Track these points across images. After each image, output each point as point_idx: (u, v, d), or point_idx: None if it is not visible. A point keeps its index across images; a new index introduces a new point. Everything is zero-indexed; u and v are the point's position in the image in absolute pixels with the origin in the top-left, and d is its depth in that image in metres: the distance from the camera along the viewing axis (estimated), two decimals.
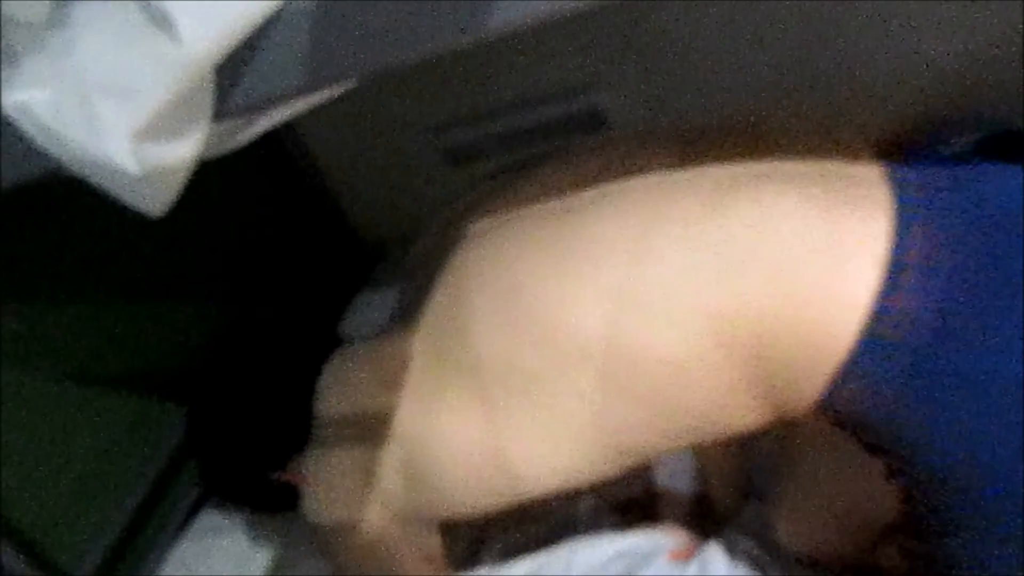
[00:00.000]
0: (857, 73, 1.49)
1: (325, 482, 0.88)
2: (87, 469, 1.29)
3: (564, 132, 1.68)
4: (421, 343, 0.82)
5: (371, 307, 1.84)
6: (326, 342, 1.68)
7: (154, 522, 1.38)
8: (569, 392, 0.71)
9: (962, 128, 1.48)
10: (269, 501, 1.19)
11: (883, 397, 0.64)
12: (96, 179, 0.64)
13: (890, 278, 0.63)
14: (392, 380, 0.82)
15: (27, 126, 0.63)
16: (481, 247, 0.83)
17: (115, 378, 1.37)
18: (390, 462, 0.81)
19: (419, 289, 0.89)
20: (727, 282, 0.67)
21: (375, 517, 0.83)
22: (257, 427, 1.22)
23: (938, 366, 0.62)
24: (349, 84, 0.67)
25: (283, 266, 1.85)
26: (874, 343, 0.63)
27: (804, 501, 0.87)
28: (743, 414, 0.71)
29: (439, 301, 0.83)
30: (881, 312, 0.63)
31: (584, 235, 0.73)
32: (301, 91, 0.65)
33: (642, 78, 1.59)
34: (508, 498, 0.77)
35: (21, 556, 1.12)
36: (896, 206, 0.67)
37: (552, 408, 0.72)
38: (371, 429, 0.83)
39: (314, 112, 0.74)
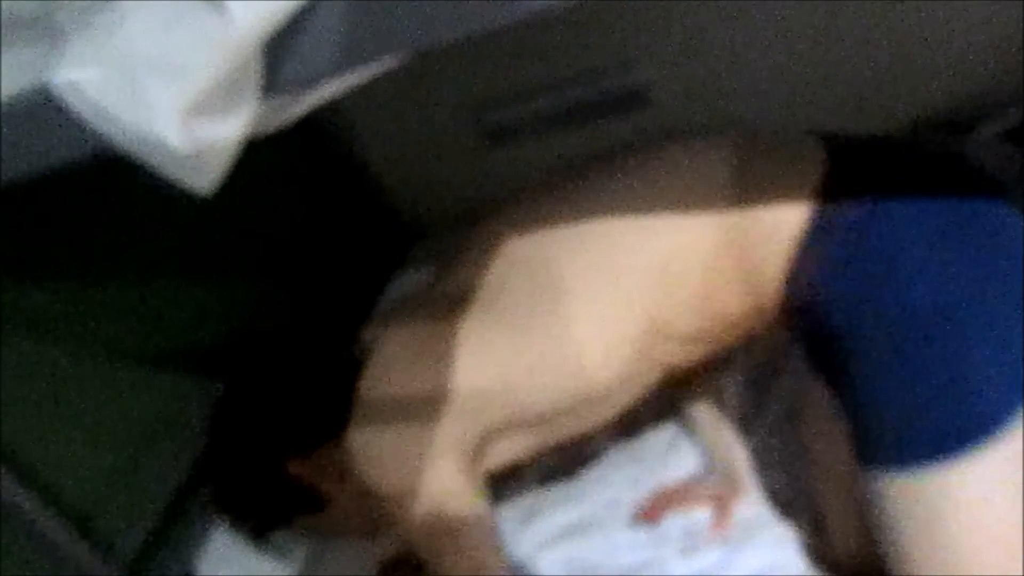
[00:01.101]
0: (899, 52, 1.47)
1: (382, 454, 0.96)
2: (133, 446, 1.30)
3: (604, 112, 1.66)
4: (481, 294, 0.95)
5: (408, 286, 1.84)
6: (363, 321, 1.69)
7: (198, 498, 1.40)
8: (619, 298, 0.89)
9: (991, 114, 1.47)
10: (273, 510, 1.13)
11: (831, 273, 0.79)
12: (144, 157, 0.65)
13: (832, 173, 0.81)
14: (444, 350, 0.94)
15: (77, 105, 0.63)
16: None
17: (158, 357, 1.38)
18: (458, 413, 0.93)
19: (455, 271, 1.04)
20: (721, 199, 0.85)
21: (443, 470, 0.93)
22: (288, 410, 1.16)
23: (871, 244, 0.76)
24: (393, 62, 0.66)
25: (323, 245, 1.86)
26: (820, 224, 0.79)
27: None
28: (733, 299, 0.87)
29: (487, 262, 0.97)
30: (825, 197, 0.80)
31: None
32: (347, 68, 0.64)
33: (683, 56, 1.57)
34: (575, 391, 0.93)
35: (67, 530, 1.13)
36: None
37: (607, 310, 0.89)
38: (428, 400, 0.93)
39: (355, 93, 0.73)
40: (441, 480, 0.93)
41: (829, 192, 0.81)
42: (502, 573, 0.94)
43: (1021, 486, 0.73)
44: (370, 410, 0.99)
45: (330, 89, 0.68)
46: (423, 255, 1.93)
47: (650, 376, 0.97)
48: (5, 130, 0.67)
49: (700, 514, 1.15)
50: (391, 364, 1.01)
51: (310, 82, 0.65)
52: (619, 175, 0.95)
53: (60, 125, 0.66)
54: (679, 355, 0.95)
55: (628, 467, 1.28)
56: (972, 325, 0.73)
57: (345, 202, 1.96)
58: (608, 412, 1.00)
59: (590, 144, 1.75)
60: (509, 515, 1.30)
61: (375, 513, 1.02)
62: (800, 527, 1.08)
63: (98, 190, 1.30)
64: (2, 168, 0.70)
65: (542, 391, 0.94)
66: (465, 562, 0.92)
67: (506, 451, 1.01)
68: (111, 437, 1.27)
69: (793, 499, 1.10)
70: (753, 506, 1.13)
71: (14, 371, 1.13)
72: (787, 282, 0.82)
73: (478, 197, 1.93)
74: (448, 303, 0.98)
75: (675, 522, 1.15)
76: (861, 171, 0.83)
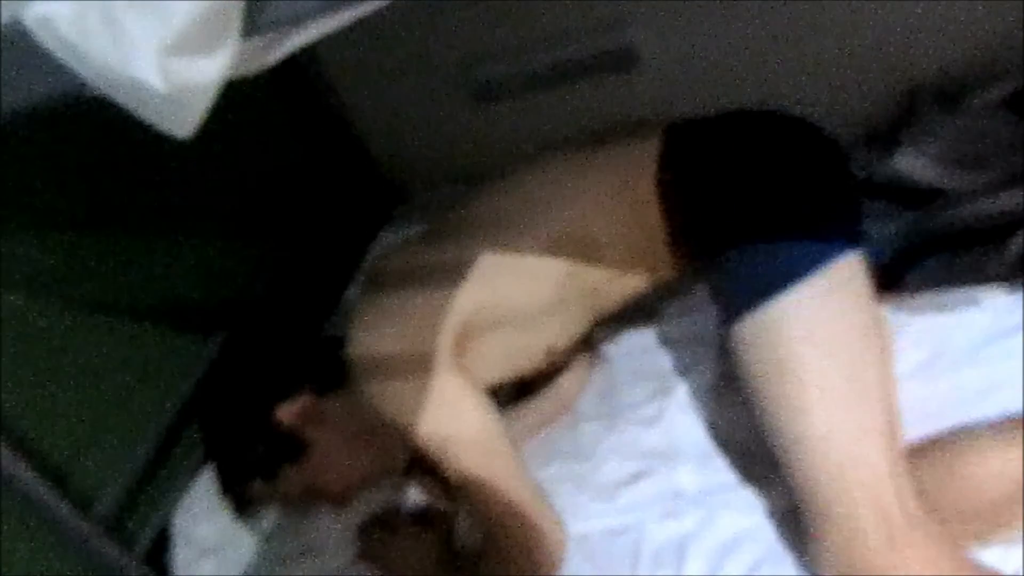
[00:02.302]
0: (896, 17, 1.45)
1: (391, 390, 1.08)
2: (112, 401, 1.29)
3: (595, 71, 1.63)
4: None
5: (392, 245, 1.83)
6: (349, 278, 1.69)
7: (176, 455, 1.39)
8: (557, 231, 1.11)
9: (987, 81, 1.46)
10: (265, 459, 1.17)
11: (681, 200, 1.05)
12: (121, 97, 0.62)
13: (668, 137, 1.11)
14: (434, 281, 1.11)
15: (49, 41, 0.61)
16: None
17: (140, 311, 1.37)
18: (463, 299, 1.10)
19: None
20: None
21: (448, 384, 1.07)
22: (278, 362, 1.22)
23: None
24: (377, 4, 0.64)
25: (309, 203, 1.84)
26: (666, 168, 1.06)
27: None
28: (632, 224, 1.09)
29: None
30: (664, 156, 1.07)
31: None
32: (328, 11, 0.62)
33: (674, 15, 1.54)
34: (537, 296, 1.13)
35: (45, 486, 1.12)
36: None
37: (550, 243, 1.11)
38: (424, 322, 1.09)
39: (343, 49, 0.72)
40: (447, 394, 1.06)
41: (667, 151, 1.09)
42: (518, 472, 1.06)
43: (846, 310, 0.94)
44: (371, 355, 1.10)
45: (310, 31, 0.66)
46: (408, 214, 1.91)
47: (585, 305, 1.17)
48: None
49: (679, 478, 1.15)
50: (384, 308, 1.12)
51: (291, 23, 0.63)
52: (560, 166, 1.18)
53: (34, 63, 0.64)
54: (606, 281, 1.15)
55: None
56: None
57: (331, 160, 1.94)
58: (560, 331, 1.18)
59: (579, 104, 1.74)
60: None
61: (354, 458, 1.15)
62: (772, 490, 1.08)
63: (80, 144, 1.28)
64: None
65: (516, 291, 1.13)
66: (482, 463, 1.04)
67: (486, 362, 1.13)
68: (89, 392, 1.26)
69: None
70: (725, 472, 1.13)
71: None
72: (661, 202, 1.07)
73: (466, 155, 1.92)
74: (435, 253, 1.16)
75: (653, 486, 1.15)
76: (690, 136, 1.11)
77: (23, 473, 1.09)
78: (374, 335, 1.11)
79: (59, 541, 1.16)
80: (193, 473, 1.38)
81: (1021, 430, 0.91)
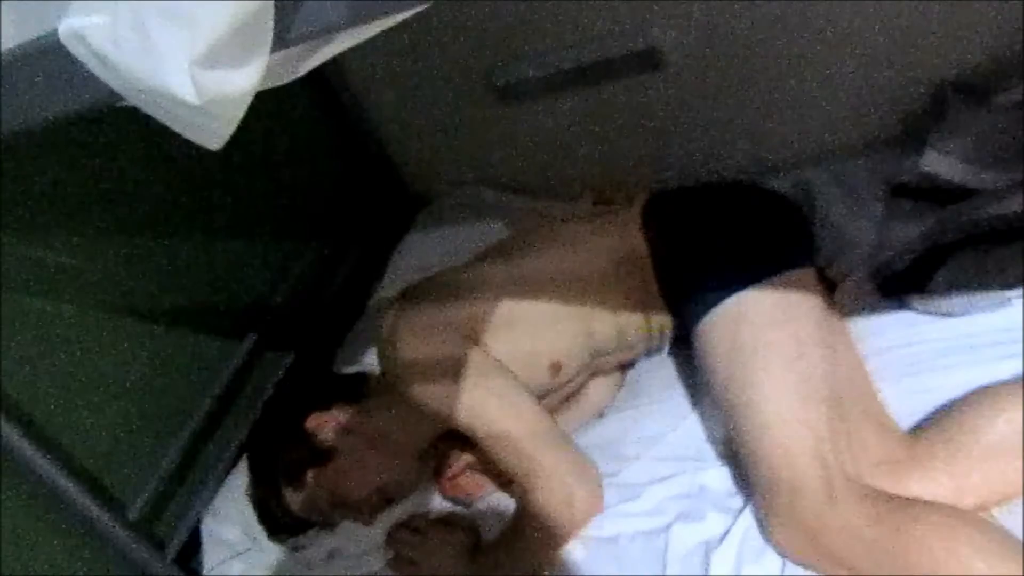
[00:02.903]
0: (921, 16, 1.44)
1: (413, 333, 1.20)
2: (143, 405, 1.31)
3: (617, 73, 1.62)
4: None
5: (416, 250, 1.84)
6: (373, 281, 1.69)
7: (205, 458, 1.40)
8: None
9: (1012, 80, 1.44)
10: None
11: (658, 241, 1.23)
12: (152, 109, 0.63)
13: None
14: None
15: (82, 54, 0.62)
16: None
17: (168, 316, 1.38)
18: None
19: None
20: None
21: (473, 353, 1.18)
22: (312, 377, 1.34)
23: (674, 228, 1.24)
24: (404, 14, 0.65)
25: (332, 208, 1.85)
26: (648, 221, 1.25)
27: None
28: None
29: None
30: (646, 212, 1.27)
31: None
32: (358, 20, 0.63)
33: (698, 18, 1.53)
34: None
35: (80, 487, 1.14)
36: None
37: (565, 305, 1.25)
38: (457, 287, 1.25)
39: (365, 51, 0.72)
40: (501, 390, 1.17)
41: (648, 210, 1.28)
42: (535, 408, 1.17)
43: (796, 305, 1.09)
44: (418, 361, 1.19)
45: (340, 42, 0.66)
46: (430, 217, 1.92)
47: (581, 325, 1.25)
48: (11, 79, 0.66)
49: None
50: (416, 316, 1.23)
51: (320, 35, 0.63)
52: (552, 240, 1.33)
53: (67, 75, 0.65)
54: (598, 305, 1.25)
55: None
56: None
57: (353, 165, 1.95)
58: (557, 344, 1.25)
59: (603, 105, 1.74)
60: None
61: (373, 466, 1.22)
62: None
63: (112, 151, 1.30)
64: (5, 118, 0.68)
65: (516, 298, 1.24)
66: (508, 411, 1.15)
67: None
68: (120, 397, 1.27)
69: None
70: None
71: (20, 327, 1.13)
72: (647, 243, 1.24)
73: (489, 157, 1.92)
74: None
75: (680, 487, 1.15)
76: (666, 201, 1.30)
77: (59, 478, 1.11)
78: (422, 343, 1.20)
79: (93, 543, 1.18)
80: (223, 476, 1.39)
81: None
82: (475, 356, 1.17)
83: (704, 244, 1.19)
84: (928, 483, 0.97)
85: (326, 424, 1.22)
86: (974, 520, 0.92)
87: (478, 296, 1.23)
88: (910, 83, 1.50)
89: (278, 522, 1.26)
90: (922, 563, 0.89)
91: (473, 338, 1.19)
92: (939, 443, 0.99)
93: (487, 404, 1.15)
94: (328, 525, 1.30)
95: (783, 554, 1.00)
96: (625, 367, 1.37)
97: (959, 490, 0.96)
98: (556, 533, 1.12)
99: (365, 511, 1.23)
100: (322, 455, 1.21)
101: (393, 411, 1.22)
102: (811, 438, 0.98)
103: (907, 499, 0.95)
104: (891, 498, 0.95)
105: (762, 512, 1.02)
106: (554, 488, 1.12)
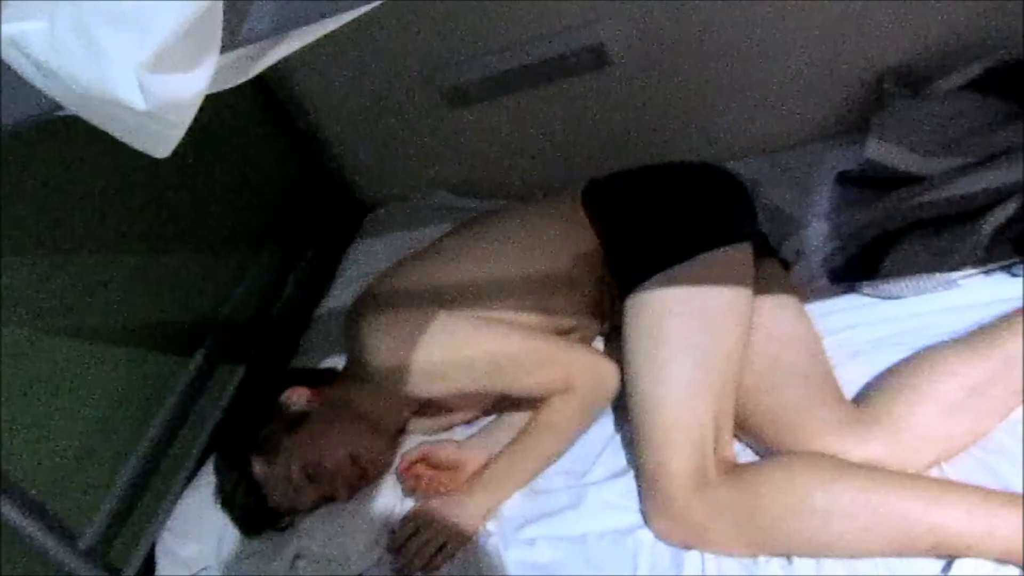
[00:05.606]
0: (864, 5, 1.46)
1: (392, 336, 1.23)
2: (93, 427, 1.26)
3: (565, 71, 1.62)
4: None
5: (366, 257, 1.81)
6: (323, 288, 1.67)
7: (159, 476, 1.36)
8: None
9: (962, 61, 1.48)
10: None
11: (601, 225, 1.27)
12: (97, 118, 0.61)
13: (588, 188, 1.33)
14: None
15: (20, 61, 0.59)
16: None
17: (115, 334, 1.34)
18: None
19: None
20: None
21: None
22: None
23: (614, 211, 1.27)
24: (353, 13, 0.63)
25: (278, 217, 1.82)
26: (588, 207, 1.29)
27: None
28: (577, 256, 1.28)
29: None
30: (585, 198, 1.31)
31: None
32: (307, 20, 0.61)
33: (643, 14, 1.54)
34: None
35: (29, 516, 1.10)
36: None
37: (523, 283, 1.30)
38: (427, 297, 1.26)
39: (308, 54, 0.71)
40: (448, 317, 1.22)
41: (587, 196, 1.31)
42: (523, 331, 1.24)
43: (719, 288, 1.11)
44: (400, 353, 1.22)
45: (290, 43, 0.65)
46: (377, 225, 1.90)
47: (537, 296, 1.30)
48: None
49: None
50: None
51: (269, 34, 0.62)
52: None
53: (5, 85, 0.62)
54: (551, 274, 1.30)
55: None
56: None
57: (300, 172, 1.92)
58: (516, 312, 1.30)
59: (551, 105, 1.73)
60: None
61: (344, 433, 1.23)
62: None
63: (52, 165, 1.26)
64: None
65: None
66: (511, 337, 1.23)
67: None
68: (69, 419, 1.23)
69: None
70: None
71: None
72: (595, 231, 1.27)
73: (438, 161, 1.90)
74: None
75: None
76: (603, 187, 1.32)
77: (6, 508, 1.07)
78: (399, 340, 1.22)
79: (47, 572, 1.14)
80: (177, 496, 1.35)
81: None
82: (444, 315, 1.21)
83: (634, 228, 1.22)
84: (877, 445, 1.00)
85: (300, 394, 1.25)
86: (810, 458, 1.00)
87: (446, 294, 1.26)
88: (853, 74, 1.54)
89: (250, 513, 1.23)
90: (774, 509, 0.96)
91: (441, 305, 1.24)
92: (884, 408, 1.03)
93: (482, 339, 1.22)
94: (302, 510, 1.25)
95: (659, 537, 1.05)
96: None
97: (908, 450, 0.99)
98: (593, 412, 1.24)
99: (339, 483, 1.21)
100: (295, 422, 1.22)
101: (365, 390, 1.25)
102: (695, 426, 1.04)
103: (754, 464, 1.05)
104: (745, 468, 1.04)
105: (644, 501, 1.07)
106: (585, 370, 1.22)
